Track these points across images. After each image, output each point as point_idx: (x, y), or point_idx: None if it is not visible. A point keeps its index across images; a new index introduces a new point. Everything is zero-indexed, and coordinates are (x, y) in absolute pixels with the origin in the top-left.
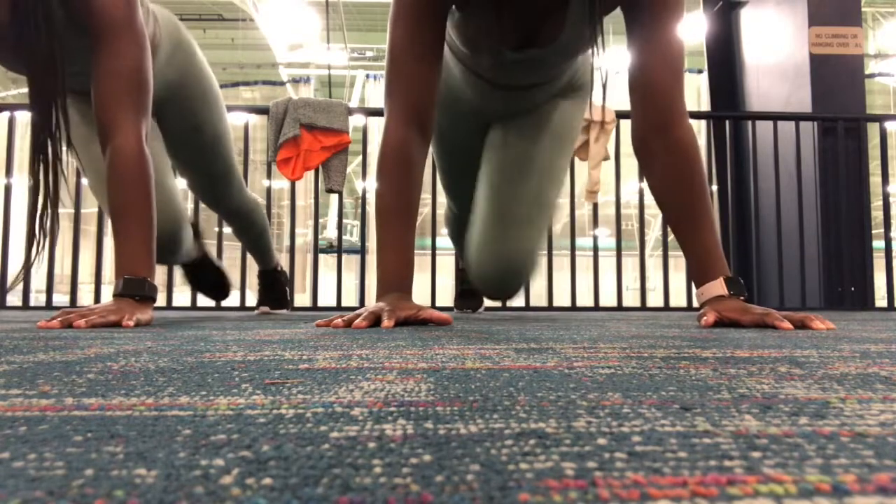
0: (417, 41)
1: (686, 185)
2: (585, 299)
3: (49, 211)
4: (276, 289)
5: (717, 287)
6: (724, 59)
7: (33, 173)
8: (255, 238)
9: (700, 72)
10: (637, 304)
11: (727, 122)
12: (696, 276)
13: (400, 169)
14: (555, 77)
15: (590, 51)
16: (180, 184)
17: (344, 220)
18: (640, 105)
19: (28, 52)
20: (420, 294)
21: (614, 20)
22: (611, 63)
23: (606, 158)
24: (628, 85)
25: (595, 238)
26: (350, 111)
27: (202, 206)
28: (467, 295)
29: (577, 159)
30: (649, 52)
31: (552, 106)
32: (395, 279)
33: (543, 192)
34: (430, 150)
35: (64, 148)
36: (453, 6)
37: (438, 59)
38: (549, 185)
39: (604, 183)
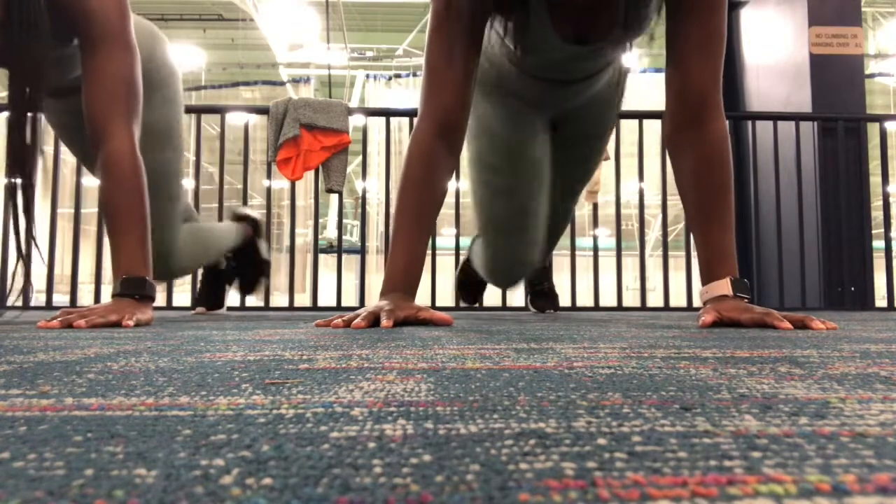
0: (448, 47)
1: (712, 180)
2: (585, 299)
3: (26, 216)
4: (216, 286)
5: (722, 287)
6: (724, 59)
7: (10, 174)
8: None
9: None
10: (637, 304)
11: (727, 122)
12: (704, 273)
13: (421, 171)
14: (608, 66)
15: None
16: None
17: (344, 220)
18: (677, 96)
19: (14, 52)
20: (420, 294)
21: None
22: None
23: (606, 158)
24: (665, 77)
25: (595, 238)
26: (350, 111)
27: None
28: (472, 286)
29: None
30: (689, 43)
31: (604, 110)
32: (401, 279)
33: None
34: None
35: (42, 150)
36: (494, 12)
37: (472, 69)
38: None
39: (604, 183)
